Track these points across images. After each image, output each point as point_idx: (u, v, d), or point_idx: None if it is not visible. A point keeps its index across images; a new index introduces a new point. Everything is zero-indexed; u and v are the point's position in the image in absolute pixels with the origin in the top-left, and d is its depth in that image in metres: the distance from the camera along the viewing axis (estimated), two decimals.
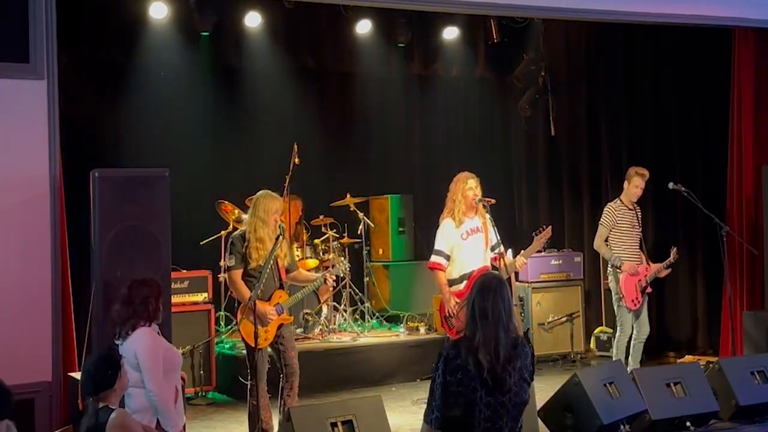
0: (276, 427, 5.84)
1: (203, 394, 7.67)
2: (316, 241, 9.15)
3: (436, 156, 10.69)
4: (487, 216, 6.43)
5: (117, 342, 4.76)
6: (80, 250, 6.66)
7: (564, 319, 9.05)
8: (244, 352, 6.10)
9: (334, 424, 5.13)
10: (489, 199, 6.43)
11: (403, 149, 10.81)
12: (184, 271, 7.81)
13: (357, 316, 9.09)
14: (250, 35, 9.15)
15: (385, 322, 9.28)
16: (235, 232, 6.10)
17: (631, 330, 7.57)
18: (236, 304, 6.60)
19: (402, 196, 10.25)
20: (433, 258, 6.42)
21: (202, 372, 7.62)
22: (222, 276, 8.23)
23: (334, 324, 8.80)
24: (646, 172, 7.61)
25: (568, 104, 10.19)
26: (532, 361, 3.78)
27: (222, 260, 8.18)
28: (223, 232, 8.41)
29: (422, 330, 8.82)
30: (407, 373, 8.31)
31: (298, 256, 8.68)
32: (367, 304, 9.15)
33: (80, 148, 7.81)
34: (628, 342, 7.58)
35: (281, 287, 6.02)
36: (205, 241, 8.62)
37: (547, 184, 10.49)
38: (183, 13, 8.67)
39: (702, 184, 8.72)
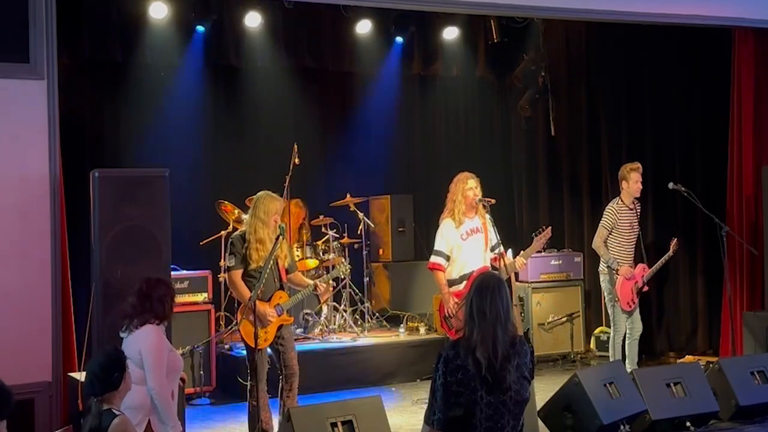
0: (276, 427, 5.84)
1: (203, 394, 7.67)
2: (317, 242, 9.15)
3: (436, 156, 10.70)
4: (487, 216, 6.43)
5: (122, 335, 4.78)
6: (80, 250, 6.66)
7: (564, 319, 9.05)
8: (244, 352, 6.11)
9: (334, 424, 5.13)
10: (489, 199, 6.43)
11: (403, 149, 10.81)
12: (184, 271, 7.81)
13: (357, 316, 9.09)
14: (249, 35, 9.15)
15: (385, 322, 9.28)
16: (235, 233, 6.10)
17: (625, 330, 7.57)
18: (236, 305, 6.60)
19: (402, 196, 10.24)
20: (433, 258, 6.42)
21: (202, 372, 7.62)
22: (222, 276, 8.23)
23: (334, 324, 8.80)
24: (639, 165, 7.62)
25: (568, 104, 10.18)
26: (532, 359, 3.79)
27: (222, 260, 8.19)
28: (223, 232, 8.41)
29: (422, 330, 8.82)
30: (407, 373, 8.31)
31: (298, 256, 8.68)
32: (367, 304, 9.15)
33: (80, 148, 7.82)
34: (623, 343, 7.59)
35: (281, 288, 6.02)
36: (205, 241, 8.62)
37: (547, 184, 10.49)
38: (183, 14, 8.67)
39: (702, 184, 8.72)
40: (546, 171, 10.50)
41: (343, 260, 8.70)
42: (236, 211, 8.42)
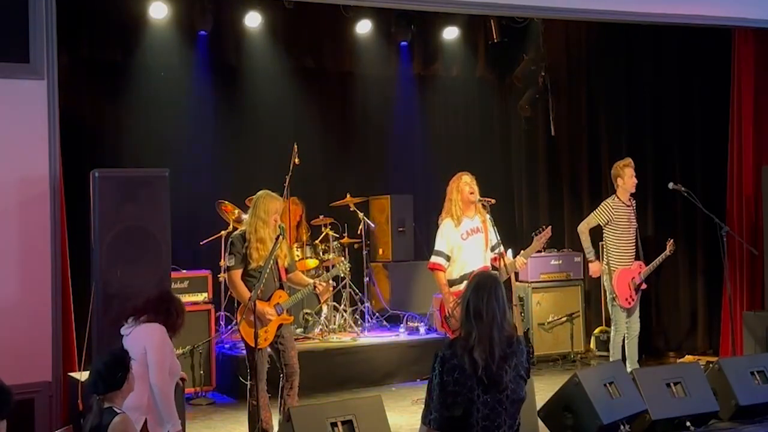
0: (276, 427, 5.84)
1: (203, 394, 7.67)
2: (317, 242, 9.15)
3: (436, 156, 10.69)
4: (487, 216, 6.43)
5: (124, 330, 4.78)
6: (80, 250, 6.66)
7: (564, 319, 9.05)
8: (244, 351, 6.11)
9: (334, 424, 5.13)
10: (489, 199, 6.43)
11: (403, 149, 10.80)
12: (184, 271, 7.81)
13: (357, 316, 9.09)
14: (250, 35, 9.15)
15: (385, 322, 9.28)
16: (235, 232, 6.10)
17: (625, 328, 7.57)
18: (236, 304, 6.60)
19: (402, 196, 10.24)
20: (433, 258, 6.42)
21: (202, 372, 7.62)
22: (222, 276, 8.23)
23: (334, 324, 8.80)
24: (631, 160, 7.64)
25: (568, 104, 10.19)
26: (528, 358, 3.80)
27: (222, 260, 8.19)
28: (223, 232, 8.41)
29: (422, 330, 8.82)
30: (407, 373, 8.31)
31: (298, 256, 8.68)
32: (367, 304, 9.14)
33: (80, 148, 7.82)
34: (623, 342, 7.59)
35: (281, 287, 6.02)
36: (205, 241, 8.62)
37: (547, 184, 10.49)
38: (183, 13, 8.68)
39: (702, 184, 8.72)
40: (546, 171, 10.51)
41: (343, 259, 8.70)
42: (236, 211, 8.42)
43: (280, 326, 5.94)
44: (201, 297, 7.88)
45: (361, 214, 9.37)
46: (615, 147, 9.60)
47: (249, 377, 5.92)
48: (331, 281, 6.66)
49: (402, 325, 8.95)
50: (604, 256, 7.69)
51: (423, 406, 3.74)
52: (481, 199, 6.38)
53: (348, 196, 9.34)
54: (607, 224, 7.60)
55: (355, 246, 9.51)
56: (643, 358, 7.99)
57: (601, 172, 9.76)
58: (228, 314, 8.44)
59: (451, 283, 6.34)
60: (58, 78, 6.16)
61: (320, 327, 8.69)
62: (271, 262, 5.78)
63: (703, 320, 9.19)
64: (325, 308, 8.83)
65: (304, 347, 7.92)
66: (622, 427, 5.89)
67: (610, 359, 7.59)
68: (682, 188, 7.63)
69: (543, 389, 6.61)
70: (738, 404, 6.31)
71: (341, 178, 10.01)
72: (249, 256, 5.86)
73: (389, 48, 9.97)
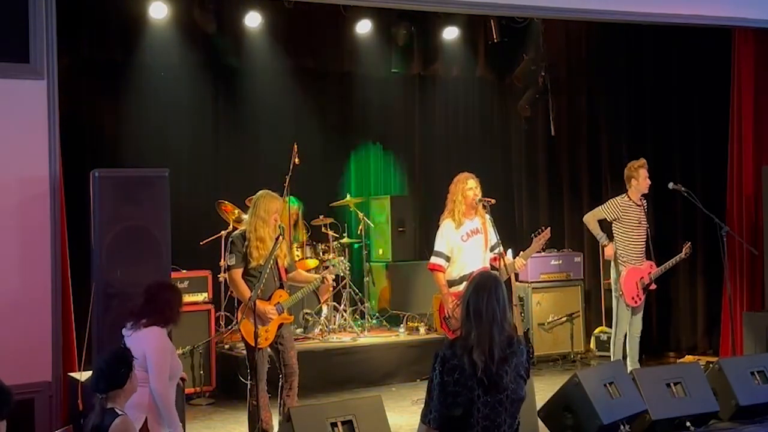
0: (276, 427, 5.84)
1: (203, 394, 7.67)
2: (317, 242, 9.15)
3: (436, 156, 10.69)
4: (487, 216, 6.43)
5: (125, 331, 4.78)
6: (80, 250, 6.66)
7: (564, 319, 9.05)
8: (244, 352, 6.11)
9: (334, 424, 5.13)
10: (489, 199, 6.43)
11: (403, 149, 10.81)
12: (184, 271, 7.81)
13: (357, 316, 9.09)
14: (250, 35, 9.14)
15: (385, 322, 9.28)
16: (235, 232, 6.11)
17: (627, 327, 7.56)
18: (236, 304, 6.60)
19: (402, 196, 10.24)
20: (433, 259, 6.42)
21: (202, 372, 7.62)
22: (222, 276, 8.23)
23: (334, 324, 8.80)
24: (645, 161, 7.62)
25: (568, 104, 10.19)
26: (528, 358, 3.79)
27: (222, 260, 8.19)
28: (223, 232, 8.40)
29: (422, 330, 8.82)
30: (407, 373, 8.31)
31: (298, 256, 8.68)
32: (367, 304, 9.14)
33: (80, 148, 7.82)
34: (624, 341, 7.58)
35: (281, 287, 6.02)
36: (205, 241, 8.62)
37: (547, 184, 10.49)
38: (183, 13, 8.67)
39: (702, 184, 8.71)
40: (546, 171, 10.50)
41: (342, 259, 8.70)
42: (236, 211, 8.42)
43: (280, 326, 5.94)
44: (201, 297, 7.88)
45: (361, 214, 9.37)
46: (615, 147, 9.60)
47: (249, 377, 5.92)
48: (331, 281, 6.66)
49: (402, 325, 8.95)
50: (616, 256, 7.67)
51: (423, 405, 3.74)
52: (482, 199, 6.38)
53: (348, 196, 9.34)
54: (614, 221, 7.59)
55: (355, 246, 9.51)
56: (643, 358, 7.98)
57: (601, 172, 9.76)
58: (228, 314, 8.44)
59: (451, 283, 6.34)
60: (58, 78, 6.16)
61: (320, 327, 8.68)
62: (271, 261, 5.79)
63: (703, 320, 9.19)
64: (325, 308, 8.83)
65: (304, 347, 7.93)
66: (622, 427, 5.89)
67: (612, 358, 7.59)
68: (682, 188, 7.62)
69: (543, 389, 6.62)
70: (738, 404, 6.31)
71: (341, 178, 10.00)
72: (249, 255, 5.87)
73: (389, 48, 9.96)
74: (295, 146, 8.34)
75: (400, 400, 7.54)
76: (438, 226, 6.49)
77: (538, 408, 5.98)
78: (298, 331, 8.51)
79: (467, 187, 6.37)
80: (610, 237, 7.68)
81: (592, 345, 9.48)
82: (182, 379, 5.32)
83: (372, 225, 9.86)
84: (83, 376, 5.48)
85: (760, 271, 8.31)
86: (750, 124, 8.52)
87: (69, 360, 6.16)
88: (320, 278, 6.21)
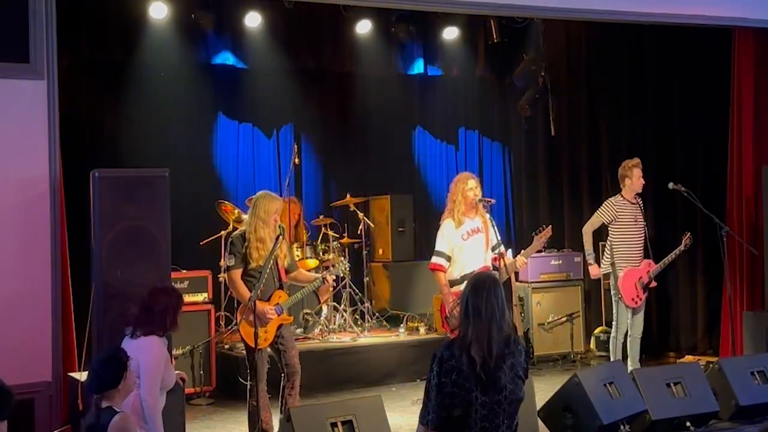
0: (276, 427, 5.84)
1: (203, 394, 7.67)
2: (317, 242, 9.15)
3: (436, 156, 10.68)
4: (487, 216, 6.44)
5: (126, 333, 4.78)
6: (80, 250, 6.66)
7: (564, 319, 9.05)
8: (244, 352, 6.11)
9: (334, 424, 5.13)
10: (489, 199, 6.44)
11: (403, 149, 10.81)
12: (184, 271, 7.81)
13: (357, 316, 9.08)
14: (250, 35, 9.15)
15: (385, 322, 9.28)
16: (235, 232, 6.11)
17: (627, 327, 7.56)
18: (236, 304, 6.60)
19: (402, 196, 10.24)
20: (434, 259, 6.42)
21: (202, 372, 7.62)
22: (222, 276, 8.23)
23: (334, 324, 8.80)
24: (639, 160, 7.63)
25: (568, 104, 10.19)
26: (527, 359, 3.79)
27: (222, 260, 8.19)
28: (223, 232, 8.41)
29: (422, 330, 8.82)
30: (407, 373, 8.31)
31: (298, 256, 8.68)
32: (367, 304, 9.14)
33: (80, 148, 7.82)
34: (624, 341, 7.58)
35: (281, 287, 6.02)
36: (205, 241, 8.62)
37: (547, 184, 10.49)
38: (183, 13, 8.67)
39: (702, 184, 8.71)
40: (546, 171, 10.51)
41: (342, 259, 8.70)
42: (236, 211, 8.42)
43: (280, 326, 5.94)
44: (201, 297, 7.88)
45: (361, 214, 9.37)
46: (615, 147, 9.60)
47: (249, 377, 5.92)
48: (332, 280, 6.66)
49: (402, 325, 8.95)
50: (609, 254, 7.67)
51: (421, 406, 3.74)
52: (482, 199, 6.39)
53: (348, 196, 9.34)
54: (611, 223, 7.59)
55: (355, 246, 9.52)
56: (643, 358, 7.98)
57: (601, 172, 9.76)
58: (228, 314, 8.44)
59: (452, 283, 6.35)
60: (58, 78, 6.15)
61: (320, 327, 8.68)
62: (271, 262, 5.78)
63: (703, 320, 9.19)
64: (325, 308, 8.83)
65: (304, 347, 7.92)
66: (622, 427, 5.89)
67: (611, 358, 7.58)
68: (682, 188, 7.62)
69: (543, 389, 6.62)
70: (738, 404, 6.31)
71: (341, 178, 10.00)
72: (249, 255, 5.87)
73: (389, 48, 9.96)
74: (296, 146, 8.34)
75: (400, 400, 7.54)
76: (438, 226, 6.50)
77: (538, 408, 5.98)
78: (298, 331, 8.51)
79: (467, 187, 6.38)
80: (605, 238, 7.70)
81: (592, 345, 9.48)
82: (182, 379, 5.33)
83: (372, 225, 9.86)
84: (83, 376, 5.47)
85: (760, 271, 8.31)
86: (750, 124, 8.52)
87: (69, 360, 6.16)
88: (321, 278, 6.21)
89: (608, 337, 8.98)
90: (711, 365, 6.84)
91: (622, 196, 7.62)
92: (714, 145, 8.84)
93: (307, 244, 9.01)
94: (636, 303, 7.50)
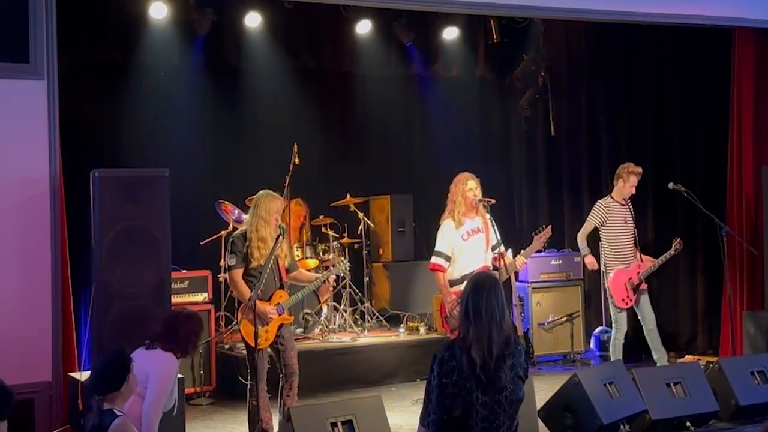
0: (276, 427, 5.84)
1: (203, 394, 7.67)
2: (317, 242, 9.15)
3: (436, 156, 10.68)
4: (488, 216, 6.44)
5: (141, 347, 4.78)
6: (80, 250, 6.66)
7: (564, 319, 9.05)
8: (244, 352, 6.11)
9: (334, 424, 5.13)
10: (489, 200, 6.44)
11: (403, 149, 10.81)
12: (184, 271, 7.81)
13: (357, 316, 9.09)
14: (250, 35, 9.14)
15: (385, 322, 9.28)
16: (236, 232, 6.10)
17: (626, 328, 7.57)
18: (236, 304, 6.60)
19: (402, 196, 10.24)
20: (434, 259, 6.42)
21: (202, 372, 7.62)
22: (222, 276, 8.23)
23: (334, 324, 8.80)
24: (641, 170, 7.63)
25: (568, 104, 10.18)
26: (526, 359, 3.80)
27: (222, 260, 8.19)
28: (223, 232, 8.41)
29: (422, 330, 8.82)
30: (407, 373, 8.31)
31: (298, 256, 8.68)
32: (367, 304, 9.14)
33: (80, 148, 7.81)
34: (626, 341, 7.59)
35: (282, 287, 6.02)
36: (205, 241, 8.62)
37: (547, 184, 10.49)
38: (183, 13, 8.67)
39: (702, 184, 8.71)
40: (546, 171, 10.50)
41: (343, 259, 8.70)
42: (236, 211, 8.42)
43: (280, 326, 5.94)
44: (201, 297, 7.88)
45: (361, 214, 9.37)
46: (615, 147, 9.59)
47: (249, 377, 5.92)
48: (333, 280, 6.67)
49: (402, 325, 8.95)
50: (602, 257, 7.68)
51: (422, 406, 3.74)
52: (482, 199, 6.39)
53: (348, 196, 9.34)
54: (602, 225, 7.62)
55: (355, 246, 9.52)
56: (643, 358, 7.98)
57: (601, 172, 9.75)
58: (228, 314, 8.44)
59: (452, 283, 6.35)
60: (58, 78, 6.15)
61: (320, 327, 8.68)
62: (271, 261, 5.78)
63: (703, 320, 9.18)
64: (325, 308, 8.83)
65: (304, 347, 7.92)
66: (622, 427, 5.89)
67: (611, 359, 7.59)
68: (682, 188, 7.63)
69: (543, 389, 6.62)
70: (738, 404, 6.31)
71: (341, 178, 10.00)
72: (250, 255, 5.87)
73: (389, 48, 9.96)
74: (296, 146, 8.34)
75: (400, 400, 7.54)
76: (438, 227, 6.50)
77: (538, 408, 5.98)
78: (298, 331, 8.51)
79: (467, 187, 6.38)
80: (599, 241, 7.71)
81: (592, 345, 9.47)
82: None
83: (372, 225, 9.86)
84: (83, 376, 5.48)
85: (760, 271, 8.31)
86: (750, 124, 8.52)
87: (69, 360, 6.16)
88: (323, 277, 6.21)
89: (608, 337, 9.01)
90: (711, 365, 6.84)
91: (612, 197, 7.66)
92: (714, 145, 8.84)
93: (307, 244, 9.02)
94: (626, 304, 7.52)
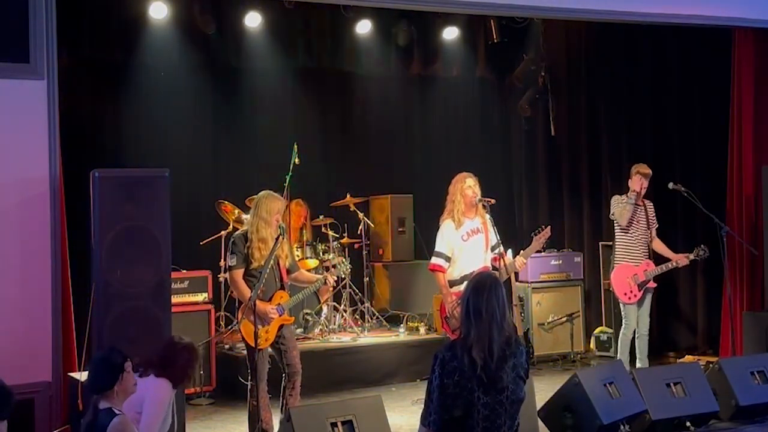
0: (276, 427, 5.84)
1: (203, 394, 7.67)
2: (317, 242, 9.15)
3: (436, 156, 10.68)
4: (487, 216, 6.44)
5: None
6: (80, 250, 6.66)
7: (564, 319, 9.05)
8: (244, 352, 6.10)
9: (334, 424, 5.13)
10: (489, 199, 6.43)
11: (403, 149, 10.80)
12: (184, 271, 7.80)
13: (357, 316, 9.09)
14: (250, 35, 9.15)
15: (385, 322, 9.28)
16: (237, 232, 6.10)
17: (634, 324, 7.56)
18: (236, 305, 6.59)
19: (402, 196, 10.24)
20: (434, 260, 6.42)
21: (202, 372, 7.62)
22: (222, 276, 8.23)
23: (334, 324, 8.80)
24: (648, 172, 7.60)
25: (568, 104, 10.19)
26: (527, 359, 3.80)
27: (222, 260, 8.19)
28: (223, 232, 8.41)
29: (422, 330, 8.82)
30: (407, 373, 8.31)
31: (298, 256, 8.68)
32: (367, 304, 9.14)
33: (80, 148, 7.81)
34: (633, 339, 7.58)
35: (282, 288, 6.02)
36: (205, 241, 8.62)
37: (547, 184, 10.49)
38: (183, 13, 8.67)
39: (702, 184, 8.71)
40: (546, 171, 10.51)
41: (343, 259, 8.70)
42: (236, 211, 8.42)
43: (281, 327, 5.94)
44: (201, 297, 7.87)
45: (361, 214, 9.37)
46: (615, 147, 9.60)
47: (249, 377, 5.92)
48: (333, 281, 6.67)
49: (402, 325, 8.95)
50: (613, 251, 7.68)
51: (423, 406, 3.74)
52: (482, 199, 6.39)
53: (348, 196, 9.34)
54: (613, 218, 7.62)
55: (355, 246, 9.52)
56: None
57: (601, 172, 9.76)
58: (228, 314, 8.44)
59: (452, 283, 6.35)
60: (58, 78, 6.16)
61: (320, 327, 8.68)
62: (272, 262, 5.78)
63: (703, 320, 9.18)
64: (325, 308, 8.83)
65: (304, 347, 7.90)
66: (622, 427, 5.89)
67: (618, 356, 7.60)
68: (682, 188, 7.63)
69: (543, 389, 6.62)
70: (738, 404, 6.31)
71: (341, 178, 10.00)
72: (251, 255, 5.86)
73: (389, 48, 9.96)
74: (296, 146, 8.34)
75: (400, 400, 7.54)
76: (438, 227, 6.49)
77: (538, 408, 5.98)
78: (299, 331, 8.51)
79: (465, 186, 6.38)
80: (613, 236, 7.71)
81: (592, 345, 9.48)
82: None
83: (372, 225, 9.86)
84: (83, 376, 5.47)
85: (760, 271, 8.31)
86: (750, 124, 8.52)
87: (69, 360, 6.16)
88: (323, 278, 6.21)
89: (608, 337, 9.04)
90: (711, 365, 6.85)
91: (627, 195, 7.64)
92: (714, 145, 8.84)
93: (307, 244, 9.01)
94: (629, 299, 7.51)
